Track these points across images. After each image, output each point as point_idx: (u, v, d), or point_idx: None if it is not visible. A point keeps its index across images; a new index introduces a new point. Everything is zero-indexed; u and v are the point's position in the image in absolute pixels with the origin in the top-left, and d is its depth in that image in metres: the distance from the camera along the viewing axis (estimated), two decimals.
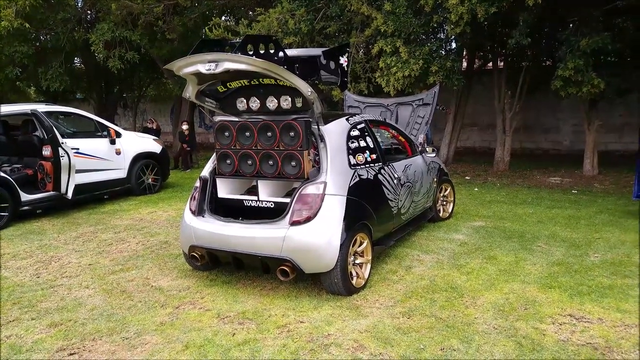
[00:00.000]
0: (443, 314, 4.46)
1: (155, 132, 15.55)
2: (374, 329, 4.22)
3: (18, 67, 16.47)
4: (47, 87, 17.04)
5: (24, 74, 18.40)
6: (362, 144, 5.69)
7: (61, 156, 8.56)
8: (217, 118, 5.54)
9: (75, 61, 20.67)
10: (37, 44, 17.74)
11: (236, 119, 5.38)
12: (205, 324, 4.44)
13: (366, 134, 5.88)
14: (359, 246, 5.15)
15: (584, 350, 3.81)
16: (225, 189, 5.57)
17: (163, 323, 4.48)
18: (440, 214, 7.79)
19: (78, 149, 9.29)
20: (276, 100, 5.17)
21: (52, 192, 8.72)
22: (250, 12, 14.87)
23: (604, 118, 13.57)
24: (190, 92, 5.18)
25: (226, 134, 5.34)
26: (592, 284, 5.08)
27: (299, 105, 5.08)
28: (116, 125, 11.82)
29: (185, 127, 15.57)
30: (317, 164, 5.15)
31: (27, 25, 13.93)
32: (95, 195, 9.78)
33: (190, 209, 5.44)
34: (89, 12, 17.59)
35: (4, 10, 13.15)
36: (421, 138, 7.60)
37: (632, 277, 5.27)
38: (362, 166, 5.47)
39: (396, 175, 6.11)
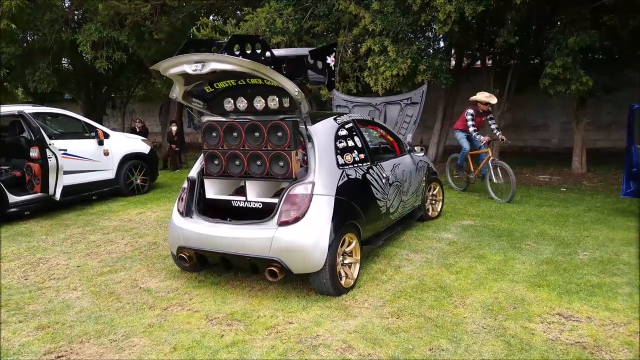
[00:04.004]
0: (432, 314, 4.46)
1: (141, 133, 15.44)
2: (363, 329, 4.21)
3: (5, 68, 16.31)
4: (35, 88, 16.91)
5: (11, 75, 18.22)
6: (350, 143, 5.69)
7: (49, 157, 8.52)
8: (205, 118, 5.51)
9: (63, 62, 20.51)
10: (24, 44, 17.59)
11: (223, 120, 5.36)
12: (193, 325, 4.41)
13: (354, 133, 5.87)
14: (348, 246, 5.14)
15: (572, 349, 3.82)
16: (213, 190, 5.55)
17: (151, 325, 4.45)
18: (429, 213, 7.80)
19: (66, 150, 9.23)
20: (263, 101, 5.15)
21: (40, 194, 8.66)
22: (238, 12, 14.82)
23: (592, 116, 13.65)
24: (177, 92, 5.16)
25: (214, 134, 5.32)
26: (581, 282, 5.10)
27: (286, 105, 5.08)
28: (104, 125, 11.76)
29: (174, 127, 15.51)
30: (305, 164, 5.13)
31: (14, 26, 13.80)
32: (83, 197, 9.71)
33: (178, 210, 5.41)
34: (76, 12, 17.44)
35: None
36: (409, 137, 7.60)
37: (621, 275, 5.30)
38: (350, 166, 5.46)
39: (384, 175, 6.11)
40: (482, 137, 9.10)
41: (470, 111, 9.29)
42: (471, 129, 9.20)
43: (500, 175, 9.08)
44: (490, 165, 9.11)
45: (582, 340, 3.93)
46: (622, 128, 15.06)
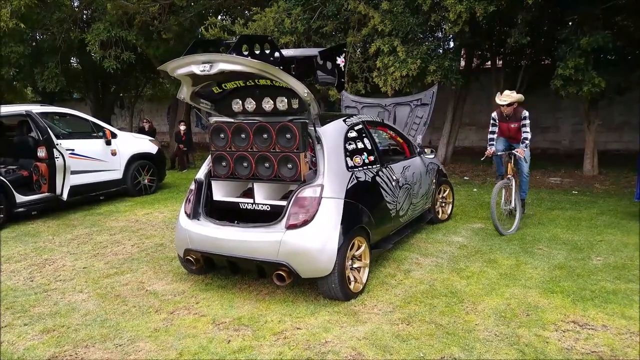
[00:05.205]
0: (443, 320, 4.36)
1: (148, 133, 15.43)
2: (373, 335, 4.12)
3: (14, 68, 16.36)
4: (44, 87, 16.96)
5: (20, 74, 18.32)
6: (360, 145, 5.61)
7: (56, 157, 8.51)
8: (212, 119, 5.46)
9: (71, 61, 20.57)
10: (33, 44, 17.65)
11: (231, 121, 5.30)
12: (200, 330, 4.34)
13: (364, 135, 5.79)
14: (357, 250, 5.06)
15: (588, 359, 3.72)
16: (220, 192, 5.49)
17: (157, 329, 4.39)
18: (439, 216, 7.70)
19: (73, 150, 9.22)
20: (272, 102, 5.09)
21: (47, 194, 8.65)
22: (247, 12, 14.78)
23: (603, 117, 13.49)
24: (184, 93, 5.11)
25: (221, 135, 5.26)
26: (595, 288, 4.98)
27: (295, 106, 5.01)
28: (112, 125, 11.74)
29: (182, 127, 15.50)
30: (314, 166, 5.06)
31: (23, 25, 13.84)
32: (90, 197, 9.71)
33: (186, 212, 5.35)
34: (84, 12, 17.49)
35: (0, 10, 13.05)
36: (419, 139, 7.51)
37: (636, 281, 5.17)
38: (359, 168, 5.38)
39: (394, 177, 6.02)
40: (488, 150, 7.46)
41: (493, 114, 7.59)
42: (489, 135, 7.58)
43: (506, 197, 7.31)
44: (500, 183, 7.22)
45: (599, 350, 3.82)
46: (634, 129, 14.97)
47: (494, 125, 7.57)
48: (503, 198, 7.27)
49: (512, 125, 7.40)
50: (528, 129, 7.22)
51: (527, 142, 7.20)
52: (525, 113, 7.23)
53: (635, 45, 11.79)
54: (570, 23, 10.89)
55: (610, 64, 11.79)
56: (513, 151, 7.27)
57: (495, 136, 7.54)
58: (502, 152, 7.55)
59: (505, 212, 7.31)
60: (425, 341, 4.01)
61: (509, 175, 7.23)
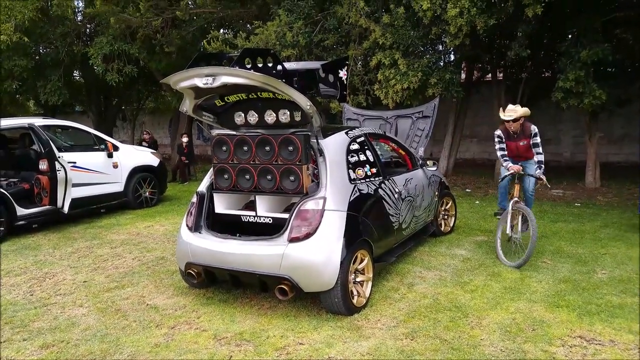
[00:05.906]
0: (448, 336, 4.31)
1: (149, 144, 15.44)
2: (377, 351, 4.06)
3: (17, 81, 16.41)
4: (46, 100, 17.01)
5: (23, 88, 18.37)
6: (362, 157, 5.59)
7: (57, 170, 8.48)
8: (215, 132, 5.45)
9: (74, 75, 20.64)
10: (37, 57, 17.73)
11: (234, 133, 5.29)
12: (201, 345, 4.29)
13: (366, 147, 5.77)
14: (360, 263, 5.01)
15: None
16: (222, 205, 5.46)
17: (158, 344, 4.33)
18: (442, 229, 7.65)
19: (75, 162, 9.21)
20: (274, 114, 5.07)
21: (48, 206, 8.61)
22: (249, 25, 14.83)
23: (604, 129, 13.48)
24: (187, 106, 5.10)
25: (224, 148, 5.25)
26: (601, 302, 4.92)
27: (297, 119, 4.99)
28: (114, 138, 11.75)
29: (184, 139, 15.52)
30: (316, 178, 5.03)
31: (26, 39, 13.92)
32: (91, 209, 9.68)
33: (187, 225, 5.32)
34: (88, 26, 17.58)
35: (3, 24, 13.12)
36: (421, 151, 7.49)
37: None
38: (362, 181, 5.35)
39: (397, 190, 5.99)
40: (509, 165, 6.47)
41: (497, 132, 6.73)
42: (499, 152, 6.64)
43: (519, 225, 6.35)
44: (510, 208, 6.40)
45: None
46: (635, 141, 14.96)
47: (500, 142, 6.65)
48: (509, 225, 6.48)
49: (521, 143, 6.58)
50: (540, 149, 6.43)
51: (543, 166, 6.39)
52: (535, 129, 6.45)
53: (635, 57, 11.81)
54: (570, 36, 10.91)
55: (610, 76, 11.80)
56: (539, 177, 6.36)
57: (505, 153, 6.61)
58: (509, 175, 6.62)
59: (516, 239, 6.39)
60: (430, 357, 3.95)
61: (515, 198, 6.42)
